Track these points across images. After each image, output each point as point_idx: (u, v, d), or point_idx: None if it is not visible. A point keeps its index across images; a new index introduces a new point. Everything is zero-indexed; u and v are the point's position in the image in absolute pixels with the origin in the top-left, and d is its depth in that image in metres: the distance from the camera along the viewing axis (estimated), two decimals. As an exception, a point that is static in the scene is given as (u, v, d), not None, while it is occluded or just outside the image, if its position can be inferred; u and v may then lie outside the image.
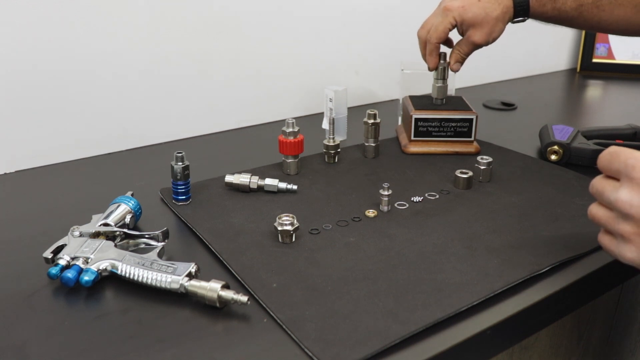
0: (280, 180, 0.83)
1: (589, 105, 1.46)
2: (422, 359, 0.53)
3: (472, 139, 0.98)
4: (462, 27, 0.92)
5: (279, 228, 0.70)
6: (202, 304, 0.59)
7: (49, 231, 0.70)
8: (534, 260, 0.66)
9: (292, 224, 0.70)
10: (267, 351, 0.54)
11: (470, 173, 0.86)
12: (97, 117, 0.99)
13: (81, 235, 0.67)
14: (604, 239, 0.59)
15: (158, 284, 0.60)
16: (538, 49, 1.56)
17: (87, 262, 0.62)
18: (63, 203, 0.82)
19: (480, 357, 0.59)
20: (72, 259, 0.63)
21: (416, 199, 0.82)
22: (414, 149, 0.98)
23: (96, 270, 0.62)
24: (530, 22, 0.95)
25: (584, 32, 1.60)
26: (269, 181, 0.83)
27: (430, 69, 0.97)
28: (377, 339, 0.54)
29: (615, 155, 0.56)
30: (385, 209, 0.78)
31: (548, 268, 0.65)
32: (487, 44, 0.92)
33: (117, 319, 0.58)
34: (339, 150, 0.94)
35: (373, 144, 0.97)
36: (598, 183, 0.58)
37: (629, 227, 0.55)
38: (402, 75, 1.09)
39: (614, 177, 0.56)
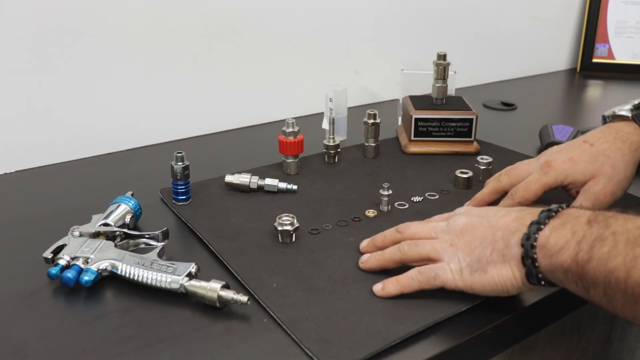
0: (280, 180, 0.83)
1: (589, 105, 1.46)
2: (422, 359, 0.53)
3: (472, 139, 0.98)
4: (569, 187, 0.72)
5: (279, 228, 0.70)
6: (202, 304, 0.59)
7: (49, 231, 0.70)
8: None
9: (292, 224, 0.70)
10: (267, 351, 0.54)
11: (470, 173, 0.86)
12: (97, 117, 0.99)
13: (81, 235, 0.67)
14: None
15: (158, 284, 0.60)
16: (538, 49, 1.56)
17: (87, 262, 0.62)
18: (63, 203, 0.82)
19: (480, 357, 0.59)
20: (72, 259, 0.63)
21: (416, 199, 0.82)
22: (414, 149, 0.98)
23: (96, 270, 0.62)
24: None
25: (583, 32, 1.60)
26: (269, 181, 0.83)
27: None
28: (377, 339, 0.54)
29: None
30: (385, 209, 0.78)
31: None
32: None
33: (117, 319, 0.58)
34: (339, 150, 0.94)
35: (373, 144, 0.96)
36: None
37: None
38: (402, 75, 1.09)
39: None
